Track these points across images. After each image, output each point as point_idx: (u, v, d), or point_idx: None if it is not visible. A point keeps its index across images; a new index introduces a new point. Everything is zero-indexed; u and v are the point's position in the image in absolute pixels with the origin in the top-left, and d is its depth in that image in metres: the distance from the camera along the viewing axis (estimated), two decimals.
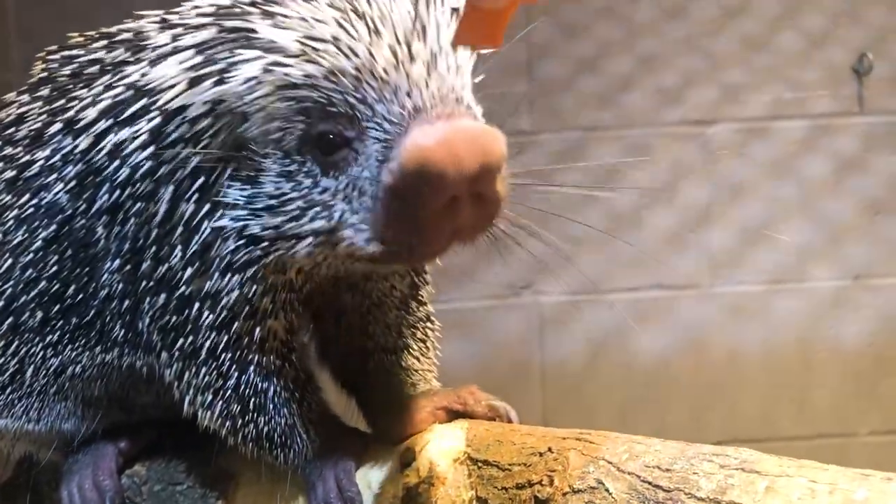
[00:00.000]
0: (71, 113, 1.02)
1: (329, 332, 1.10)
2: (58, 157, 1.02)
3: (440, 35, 0.84)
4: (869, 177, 2.07)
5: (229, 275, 0.92)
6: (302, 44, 0.82)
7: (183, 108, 0.89)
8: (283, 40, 0.83)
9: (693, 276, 2.07)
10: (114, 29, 1.09)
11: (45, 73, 1.13)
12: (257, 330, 0.96)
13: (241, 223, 0.89)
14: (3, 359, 1.08)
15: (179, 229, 0.92)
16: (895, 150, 2.07)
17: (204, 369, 0.97)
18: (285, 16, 0.84)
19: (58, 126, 1.03)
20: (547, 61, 2.04)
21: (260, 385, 0.98)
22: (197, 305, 0.94)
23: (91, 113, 0.98)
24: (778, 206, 2.07)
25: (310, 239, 0.87)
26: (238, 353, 0.96)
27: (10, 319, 1.06)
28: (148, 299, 0.97)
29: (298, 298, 0.98)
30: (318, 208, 0.86)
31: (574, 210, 2.00)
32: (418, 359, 1.10)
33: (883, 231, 2.08)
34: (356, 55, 0.81)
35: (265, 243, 0.90)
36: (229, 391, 0.97)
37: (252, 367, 0.97)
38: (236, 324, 0.94)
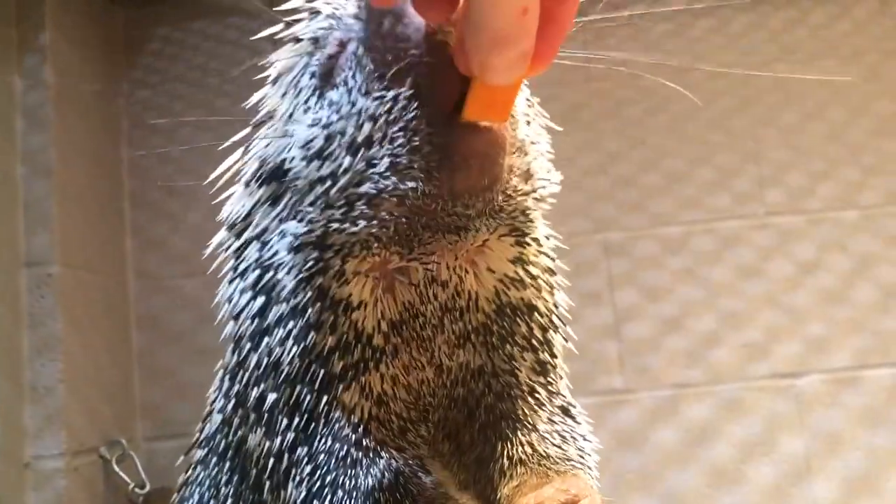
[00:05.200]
0: None
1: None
2: None
3: None
4: None
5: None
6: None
7: None
8: None
9: None
10: None
11: None
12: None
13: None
14: None
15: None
16: None
17: None
18: None
19: None
20: (634, 323, 2.15)
21: None
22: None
23: None
24: (877, 456, 2.06)
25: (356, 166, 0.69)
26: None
27: None
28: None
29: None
30: (347, 126, 0.69)
31: (673, 467, 2.04)
32: None
33: None
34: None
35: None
36: None
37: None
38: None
